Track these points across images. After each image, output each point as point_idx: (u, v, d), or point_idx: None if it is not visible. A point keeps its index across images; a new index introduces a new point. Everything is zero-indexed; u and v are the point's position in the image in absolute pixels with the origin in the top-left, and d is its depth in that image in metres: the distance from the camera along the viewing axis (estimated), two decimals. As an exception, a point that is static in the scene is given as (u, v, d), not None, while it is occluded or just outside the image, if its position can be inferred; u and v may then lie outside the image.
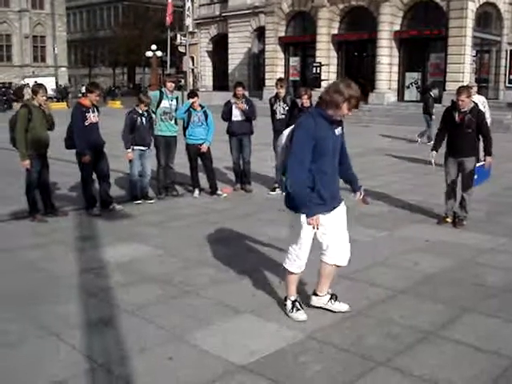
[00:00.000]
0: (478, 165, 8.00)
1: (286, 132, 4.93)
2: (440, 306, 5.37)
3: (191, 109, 10.09)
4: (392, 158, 15.59)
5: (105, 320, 5.06)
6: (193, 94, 10.34)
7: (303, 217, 4.75)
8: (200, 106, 10.17)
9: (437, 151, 8.38)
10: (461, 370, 4.18)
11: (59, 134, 9.03)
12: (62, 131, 9.01)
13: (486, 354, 4.42)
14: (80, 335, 4.75)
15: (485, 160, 8.19)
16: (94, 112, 8.96)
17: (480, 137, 8.11)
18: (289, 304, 5.09)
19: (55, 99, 42.79)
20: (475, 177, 7.98)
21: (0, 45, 59.68)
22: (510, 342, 4.59)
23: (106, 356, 4.40)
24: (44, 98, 8.64)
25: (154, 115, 10.06)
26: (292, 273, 5.08)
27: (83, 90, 47.36)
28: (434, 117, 17.77)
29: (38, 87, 8.65)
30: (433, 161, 8.38)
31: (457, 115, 7.98)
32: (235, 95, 10.74)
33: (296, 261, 5.00)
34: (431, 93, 20.05)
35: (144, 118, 9.64)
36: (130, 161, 9.74)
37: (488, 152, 8.11)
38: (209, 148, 10.21)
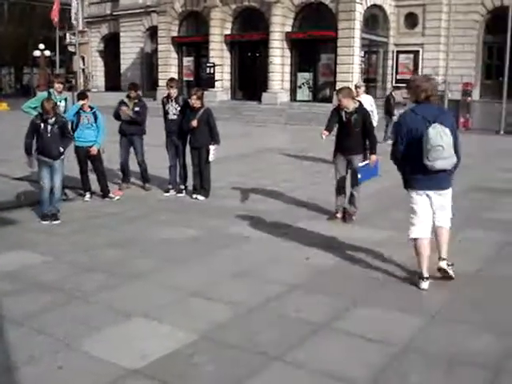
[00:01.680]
0: (361, 164, 8.20)
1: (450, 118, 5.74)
2: (332, 299, 5.52)
3: (80, 110, 9.81)
4: (284, 156, 15.87)
5: (-11, 332, 4.82)
6: (83, 95, 10.06)
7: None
8: (89, 107, 9.91)
9: (329, 133, 8.43)
10: (353, 361, 4.31)
11: None
12: None
13: (375, 343, 4.58)
14: (-38, 349, 4.50)
15: (369, 159, 8.40)
16: None
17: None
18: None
19: None
20: (359, 176, 8.20)
21: None
22: (397, 330, 4.79)
23: (-9, 368, 4.19)
24: None
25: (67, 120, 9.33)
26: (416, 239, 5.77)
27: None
28: (394, 117, 18.38)
29: None
30: (324, 137, 8.40)
31: (344, 115, 8.25)
32: (128, 96, 10.81)
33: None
34: (393, 93, 21.06)
35: (49, 126, 8.50)
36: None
37: (372, 150, 8.33)
38: (99, 150, 9.96)
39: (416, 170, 5.60)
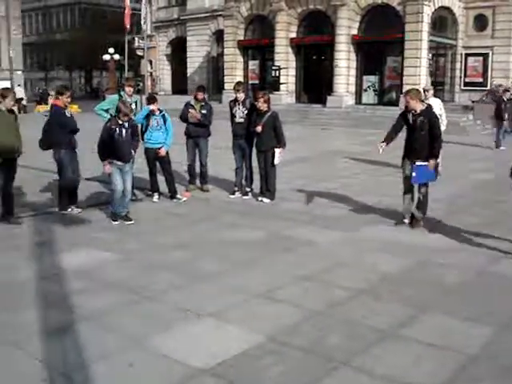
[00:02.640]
0: (418, 163, 8.02)
1: None
2: (399, 305, 5.45)
3: (150, 113, 10.03)
4: (351, 160, 15.75)
5: (64, 328, 4.98)
6: (152, 99, 10.28)
7: None
8: (158, 109, 10.13)
9: (386, 144, 8.41)
10: (420, 368, 4.25)
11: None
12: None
13: (443, 351, 4.51)
14: (39, 343, 4.67)
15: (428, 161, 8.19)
16: (67, 113, 9.23)
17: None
18: None
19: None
20: (413, 174, 8.04)
21: (-48, 48, 58.16)
22: (465, 339, 4.70)
23: (66, 364, 4.33)
24: (12, 102, 8.70)
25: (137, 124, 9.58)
26: None
27: (52, 92, 47.41)
28: (505, 122, 18.51)
29: (7, 92, 8.69)
30: (380, 150, 8.39)
31: (410, 117, 8.13)
32: (196, 98, 10.91)
33: None
34: (504, 96, 19.78)
35: (124, 130, 8.54)
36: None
37: (433, 154, 8.10)
38: (167, 152, 10.17)
39: None
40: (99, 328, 4.97)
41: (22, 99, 41.33)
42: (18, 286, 6.06)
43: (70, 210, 9.30)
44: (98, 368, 4.26)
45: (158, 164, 10.31)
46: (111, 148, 8.48)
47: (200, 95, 10.93)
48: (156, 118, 10.03)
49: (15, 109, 8.75)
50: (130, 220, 8.73)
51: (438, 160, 8.12)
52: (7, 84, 47.86)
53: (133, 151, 8.76)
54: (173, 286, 6.01)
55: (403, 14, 28.51)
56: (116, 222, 8.66)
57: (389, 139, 8.42)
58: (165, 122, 10.05)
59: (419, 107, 8.10)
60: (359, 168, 14.43)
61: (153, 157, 10.17)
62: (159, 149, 10.04)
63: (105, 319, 5.16)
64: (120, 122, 8.47)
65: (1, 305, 5.52)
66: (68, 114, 9.26)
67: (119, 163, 8.58)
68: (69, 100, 9.35)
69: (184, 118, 10.89)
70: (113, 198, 8.77)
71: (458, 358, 4.39)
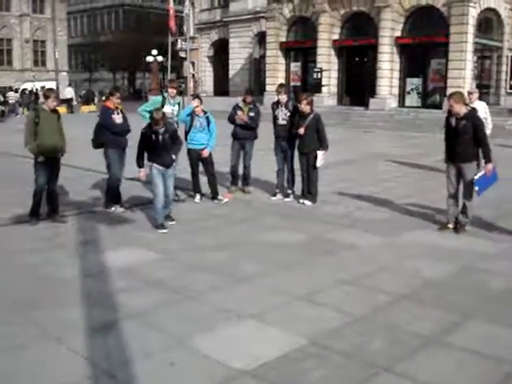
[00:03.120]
0: (476, 177, 7.92)
1: None
2: (442, 311, 5.37)
3: (194, 114, 10.09)
4: (393, 163, 15.58)
5: (107, 325, 5.06)
6: (196, 96, 10.41)
7: None
8: (203, 111, 10.19)
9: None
10: (463, 376, 4.19)
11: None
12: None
13: (488, 359, 4.43)
14: (82, 340, 4.75)
15: (485, 167, 8.08)
16: (118, 114, 9.43)
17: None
18: None
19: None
20: (476, 188, 7.94)
21: (0, 49, 59.60)
22: (510, 348, 4.60)
23: (109, 361, 4.40)
24: (55, 103, 8.87)
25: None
26: None
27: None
28: None
29: (50, 92, 8.95)
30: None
31: (453, 121, 8.02)
32: (244, 101, 11.00)
33: None
34: None
35: (160, 136, 8.41)
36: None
37: (487, 158, 7.99)
38: (210, 153, 10.23)
39: None
40: (142, 326, 5.03)
41: (71, 99, 42.46)
42: (63, 283, 6.18)
43: (113, 208, 9.47)
44: (141, 366, 4.31)
45: (200, 165, 10.39)
46: (151, 154, 8.47)
47: (249, 98, 10.99)
48: (200, 119, 10.10)
49: (63, 108, 9.00)
50: (173, 220, 8.78)
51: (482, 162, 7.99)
52: (53, 84, 49.23)
53: (173, 155, 8.60)
54: (213, 286, 6.04)
55: (448, 15, 28.12)
56: (162, 230, 8.35)
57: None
58: (208, 123, 10.10)
59: (463, 111, 7.98)
60: (402, 171, 14.27)
61: (195, 157, 10.24)
62: (202, 150, 10.10)
63: (147, 318, 5.21)
64: (154, 129, 8.33)
65: (46, 302, 5.63)
66: (116, 115, 9.41)
67: (161, 168, 8.49)
68: (118, 101, 9.53)
69: (232, 119, 10.95)
70: (154, 203, 8.59)
71: (502, 367, 4.30)
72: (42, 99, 8.67)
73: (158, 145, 8.41)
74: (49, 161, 8.66)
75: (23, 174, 10.70)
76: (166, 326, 5.01)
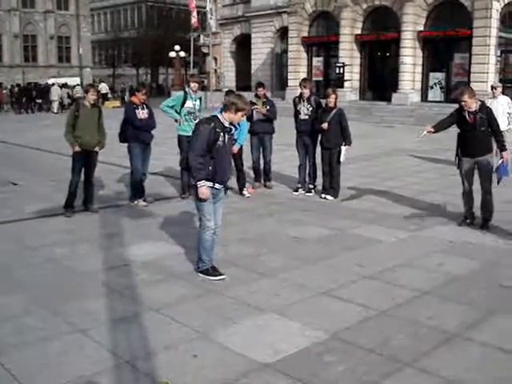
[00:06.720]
0: (496, 166, 8.03)
1: None
2: (465, 307, 5.35)
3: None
4: (414, 158, 15.49)
5: (130, 317, 5.11)
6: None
7: None
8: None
9: (434, 132, 8.35)
10: (487, 372, 4.16)
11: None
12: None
13: (511, 355, 4.39)
14: (106, 332, 4.81)
15: (502, 157, 8.09)
16: (143, 109, 9.56)
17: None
18: None
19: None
20: (499, 176, 8.04)
21: (25, 45, 60.20)
22: (536, 345, 4.56)
23: (132, 353, 4.45)
24: (94, 97, 9.12)
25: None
26: None
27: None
28: None
29: (89, 87, 9.29)
30: (423, 133, 8.36)
31: (467, 115, 7.98)
32: (256, 95, 11.00)
33: None
34: None
35: (227, 136, 6.04)
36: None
37: (504, 147, 8.07)
38: (241, 149, 10.25)
39: None
40: (164, 318, 5.08)
41: (107, 94, 45.29)
42: (88, 275, 6.26)
43: (136, 202, 9.57)
44: (163, 358, 4.36)
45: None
46: (210, 163, 5.92)
47: (260, 91, 10.99)
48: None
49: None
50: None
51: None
52: (77, 80, 49.92)
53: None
54: (236, 280, 6.07)
55: (471, 9, 27.78)
56: (217, 278, 6.09)
57: (440, 129, 8.38)
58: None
59: (474, 105, 7.99)
60: (424, 166, 14.18)
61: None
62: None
63: (170, 310, 5.26)
64: (226, 125, 6.02)
65: (70, 293, 5.71)
66: (141, 110, 9.51)
67: (217, 186, 6.06)
68: (144, 97, 9.65)
69: (248, 116, 10.87)
70: (201, 240, 6.16)
71: (527, 363, 4.27)
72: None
73: (223, 151, 5.98)
74: (86, 153, 8.91)
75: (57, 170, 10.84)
76: (188, 319, 5.05)
